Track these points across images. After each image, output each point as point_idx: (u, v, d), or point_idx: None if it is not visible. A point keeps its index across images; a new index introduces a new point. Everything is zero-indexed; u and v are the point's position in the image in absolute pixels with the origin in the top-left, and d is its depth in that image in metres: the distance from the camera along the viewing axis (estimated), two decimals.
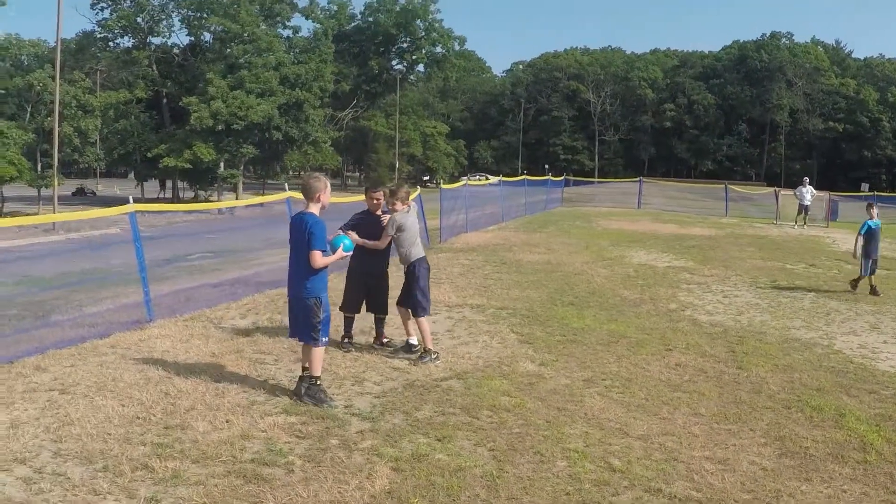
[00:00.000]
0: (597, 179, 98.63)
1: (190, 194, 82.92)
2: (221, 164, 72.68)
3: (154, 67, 76.02)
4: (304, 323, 8.63)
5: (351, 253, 9.17)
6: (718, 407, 9.28)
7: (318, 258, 8.41)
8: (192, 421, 7.82)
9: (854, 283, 19.07)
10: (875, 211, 19.76)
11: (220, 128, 68.03)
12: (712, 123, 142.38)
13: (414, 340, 10.94)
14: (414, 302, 10.72)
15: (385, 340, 11.37)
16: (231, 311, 13.61)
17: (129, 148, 72.17)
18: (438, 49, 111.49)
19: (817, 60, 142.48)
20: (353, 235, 10.38)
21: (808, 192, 40.64)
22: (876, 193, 57.02)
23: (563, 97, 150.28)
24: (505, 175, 59.01)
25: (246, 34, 72.56)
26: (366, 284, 11.26)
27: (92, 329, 12.02)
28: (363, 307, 11.37)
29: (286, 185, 21.09)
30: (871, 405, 9.62)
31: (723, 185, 54.84)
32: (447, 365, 10.41)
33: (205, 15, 74.94)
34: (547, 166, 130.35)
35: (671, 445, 7.92)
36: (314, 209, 8.62)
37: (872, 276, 18.94)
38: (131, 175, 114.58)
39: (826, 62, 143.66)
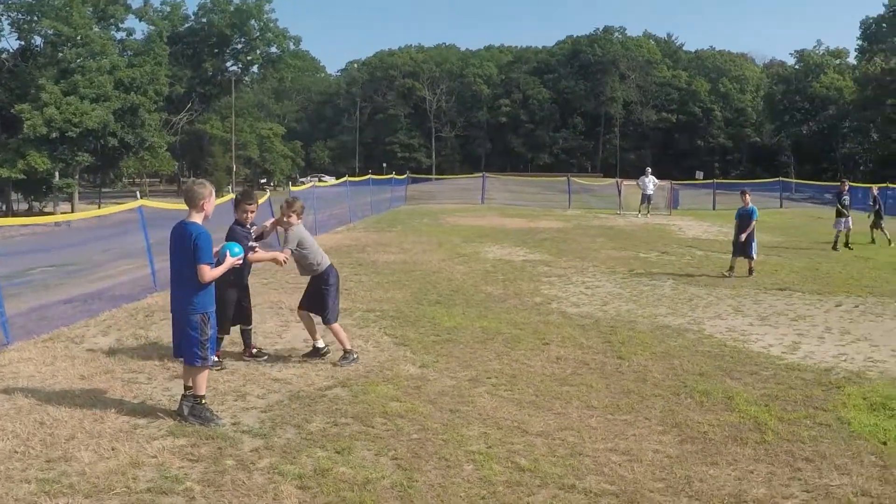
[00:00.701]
0: (435, 176, 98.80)
1: (24, 206, 79.69)
2: (56, 174, 70.00)
3: None
4: (188, 340, 7.95)
5: (240, 260, 8.55)
6: (609, 398, 9.22)
7: (207, 272, 7.82)
8: (75, 451, 7.22)
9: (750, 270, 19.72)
10: (749, 197, 20.60)
11: (54, 135, 65.40)
12: (548, 117, 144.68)
13: (321, 343, 10.67)
14: (328, 309, 10.45)
15: (254, 350, 10.80)
16: (91, 329, 12.80)
17: None
18: (273, 49, 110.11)
19: (650, 53, 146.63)
20: (260, 253, 10.09)
21: (651, 182, 41.50)
22: (716, 181, 58.82)
23: (399, 95, 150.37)
24: (341, 176, 58.62)
25: (79, 37, 70.03)
26: (234, 299, 10.55)
27: None
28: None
29: (138, 192, 20.26)
30: (755, 386, 9.78)
31: (564, 178, 55.68)
32: (327, 373, 9.99)
33: (35, 18, 71.97)
34: (385, 164, 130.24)
35: (572, 440, 7.79)
36: (197, 218, 7.97)
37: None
38: None
39: (658, 55, 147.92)
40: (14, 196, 78.00)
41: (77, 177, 74.60)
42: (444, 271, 19.43)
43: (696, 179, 79.41)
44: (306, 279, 10.80)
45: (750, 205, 20.32)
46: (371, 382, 9.50)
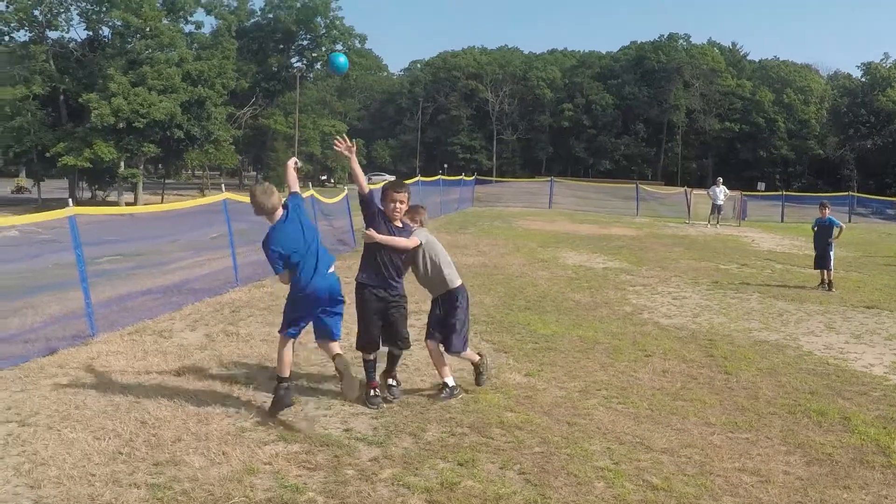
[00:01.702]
0: (500, 178, 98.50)
1: (87, 195, 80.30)
2: (122, 164, 70.53)
3: (51, 63, 73.16)
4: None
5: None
6: (725, 415, 8.93)
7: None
8: (184, 455, 7.01)
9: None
10: (828, 210, 20.50)
11: (121, 125, 65.95)
12: (610, 123, 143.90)
13: (452, 381, 9.05)
14: (455, 335, 9.03)
15: (392, 383, 9.16)
16: (177, 323, 12.70)
17: (26, 146, 69.42)
18: (339, 47, 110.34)
19: (714, 62, 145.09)
20: (373, 233, 8.53)
21: (721, 192, 41.05)
22: (784, 193, 58.02)
23: (462, 96, 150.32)
24: (400, 175, 58.59)
25: (148, 29, 70.61)
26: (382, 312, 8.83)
27: (31, 346, 10.89)
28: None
29: (223, 185, 20.24)
30: (868, 407, 9.43)
31: (629, 184, 55.31)
32: (434, 380, 9.65)
33: (104, 9, 72.57)
34: (446, 165, 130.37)
35: (698, 458, 7.53)
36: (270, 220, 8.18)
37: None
38: (22, 174, 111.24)
39: (722, 63, 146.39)
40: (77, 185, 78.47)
41: (141, 167, 75.03)
42: (527, 276, 19.23)
43: (759, 191, 78.54)
44: None
45: (828, 216, 20.20)
46: (480, 390, 9.26)
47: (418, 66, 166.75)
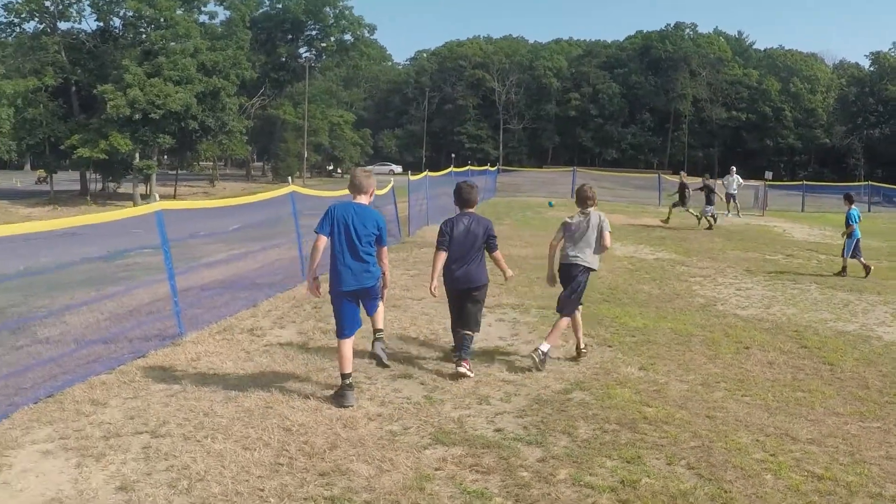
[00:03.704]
0: (520, 168, 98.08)
1: (98, 187, 79.94)
2: (137, 155, 70.35)
3: (63, 54, 72.91)
4: (376, 302, 8.78)
5: None
6: (848, 405, 9.07)
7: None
8: (346, 463, 6.84)
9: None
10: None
11: (136, 117, 65.79)
12: (617, 112, 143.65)
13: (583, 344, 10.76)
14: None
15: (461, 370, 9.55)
16: (261, 320, 12.53)
17: (39, 138, 69.18)
18: (347, 37, 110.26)
19: (720, 51, 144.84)
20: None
21: (735, 181, 41.06)
22: (805, 183, 58.01)
23: (468, 85, 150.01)
24: (407, 165, 58.46)
25: (162, 19, 70.45)
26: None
27: (121, 346, 10.58)
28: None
29: (290, 178, 20.19)
30: None
31: (647, 175, 55.38)
32: (555, 375, 9.78)
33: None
34: (453, 155, 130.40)
35: (844, 448, 7.64)
36: (366, 201, 8.69)
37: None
38: (27, 167, 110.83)
39: (729, 53, 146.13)
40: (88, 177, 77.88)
41: (156, 158, 74.89)
42: None
43: (767, 180, 78.58)
44: None
45: (851, 209, 21.15)
46: (606, 385, 9.32)
47: (424, 55, 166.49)
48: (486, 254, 9.86)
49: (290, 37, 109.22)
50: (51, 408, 8.01)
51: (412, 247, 22.55)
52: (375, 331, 8.81)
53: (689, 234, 29.08)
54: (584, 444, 7.44)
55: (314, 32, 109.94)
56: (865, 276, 19.86)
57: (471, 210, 9.93)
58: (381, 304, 8.79)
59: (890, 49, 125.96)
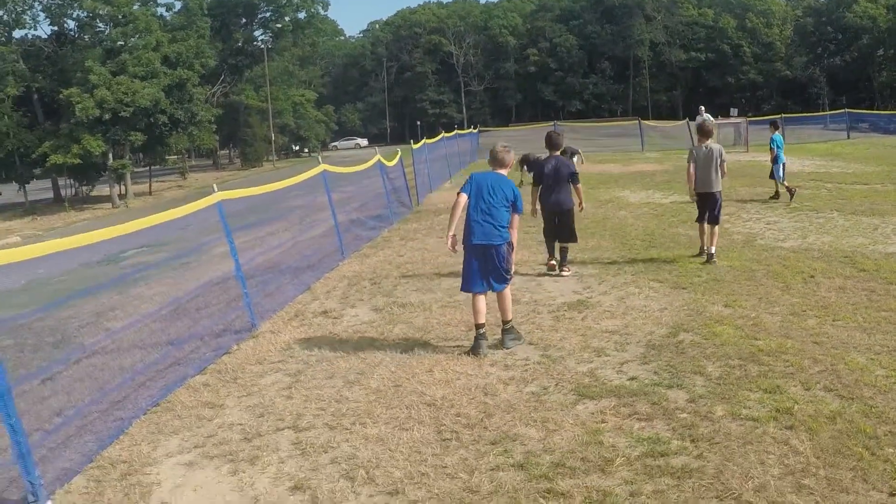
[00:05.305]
0: (502, 128, 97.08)
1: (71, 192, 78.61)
2: (110, 155, 69.44)
3: (21, 62, 71.71)
4: (499, 269, 9.17)
5: None
6: None
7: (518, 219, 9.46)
8: (511, 429, 6.90)
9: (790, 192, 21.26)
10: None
11: (106, 117, 64.97)
12: (576, 64, 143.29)
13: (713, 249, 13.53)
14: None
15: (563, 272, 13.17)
16: (326, 302, 12.48)
17: (9, 149, 68.08)
18: (302, 15, 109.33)
19: None
20: None
21: (708, 120, 41.37)
22: (783, 116, 58.44)
23: (425, 52, 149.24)
24: (373, 138, 58.17)
25: (121, 16, 69.47)
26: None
27: (196, 346, 10.48)
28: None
29: (319, 157, 20.25)
30: None
31: (635, 122, 55.71)
32: (648, 318, 10.13)
33: (70, 1, 71.18)
34: (419, 122, 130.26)
35: None
36: (505, 173, 9.55)
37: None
38: None
39: None
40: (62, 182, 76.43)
41: (128, 157, 74.00)
42: (611, 218, 19.51)
43: (732, 117, 79.03)
44: None
45: (774, 134, 22.34)
46: (706, 325, 9.58)
47: (377, 26, 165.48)
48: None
49: (244, 20, 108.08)
50: (164, 417, 7.87)
51: (429, 214, 22.71)
52: (503, 321, 9.44)
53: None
54: (720, 382, 7.68)
55: (268, 14, 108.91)
56: (773, 197, 21.54)
57: (557, 153, 13.27)
58: (506, 292, 9.37)
59: None
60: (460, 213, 9.23)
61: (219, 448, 7.01)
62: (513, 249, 9.34)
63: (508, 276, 9.30)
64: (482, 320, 9.13)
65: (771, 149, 21.92)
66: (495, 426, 7.00)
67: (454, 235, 9.35)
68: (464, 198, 9.23)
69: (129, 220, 8.66)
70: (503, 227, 9.13)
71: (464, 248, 9.30)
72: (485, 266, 9.15)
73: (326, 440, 6.99)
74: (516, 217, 9.31)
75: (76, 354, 10.94)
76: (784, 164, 21.99)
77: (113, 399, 8.51)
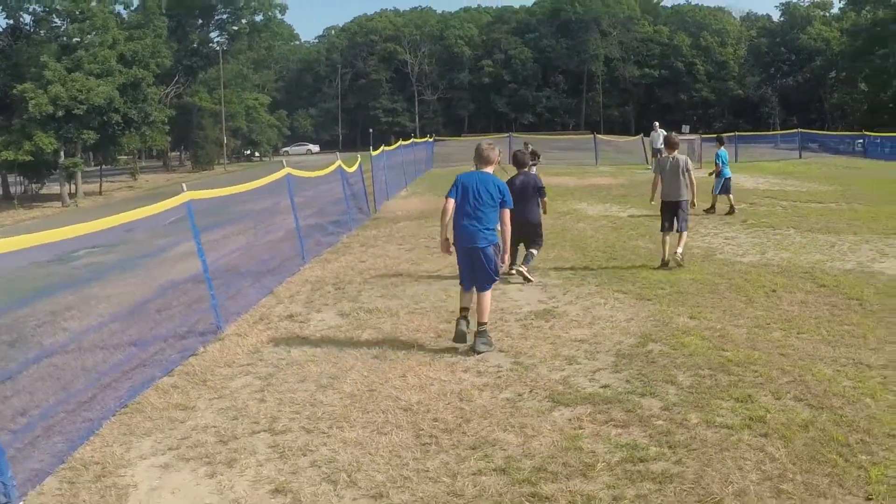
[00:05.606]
0: (457, 138, 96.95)
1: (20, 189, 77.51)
2: (62, 153, 68.57)
3: None
4: (486, 270, 9.41)
5: None
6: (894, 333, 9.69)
7: (508, 215, 9.52)
8: (489, 434, 6.93)
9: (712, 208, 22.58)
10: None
11: (60, 114, 64.15)
12: (530, 77, 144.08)
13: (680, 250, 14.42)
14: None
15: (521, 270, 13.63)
16: (291, 306, 12.38)
17: None
18: (259, 18, 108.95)
19: (630, 10, 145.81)
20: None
21: (661, 137, 41.75)
22: (737, 133, 59.18)
23: (380, 59, 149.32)
24: (325, 144, 57.92)
25: (78, 12, 68.69)
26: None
27: (159, 348, 10.23)
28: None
29: (283, 160, 20.14)
30: None
31: (589, 136, 56.15)
32: (615, 328, 10.23)
33: None
34: (371, 130, 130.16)
35: None
36: (491, 170, 9.79)
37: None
38: None
39: (638, 11, 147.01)
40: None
41: (80, 155, 73.12)
42: (570, 230, 19.67)
43: (684, 133, 79.87)
44: None
45: (720, 150, 23.83)
46: (673, 335, 9.70)
47: (333, 32, 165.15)
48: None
49: (200, 21, 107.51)
50: (135, 419, 7.74)
51: (387, 222, 22.72)
52: (479, 322, 9.50)
53: (646, 190, 29.55)
54: (692, 391, 7.80)
55: (225, 16, 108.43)
56: (729, 213, 22.17)
57: (524, 170, 14.06)
58: (488, 293, 9.60)
59: None
60: (450, 217, 9.45)
61: (194, 450, 6.94)
62: (501, 250, 9.55)
63: (496, 278, 9.61)
64: (467, 305, 9.57)
65: (716, 164, 22.89)
66: (473, 431, 7.02)
67: (447, 239, 9.65)
68: (451, 203, 9.46)
69: (80, 220, 8.45)
70: (489, 229, 9.36)
71: (455, 248, 9.63)
72: (471, 268, 9.47)
73: (304, 443, 6.94)
74: (506, 212, 9.45)
75: (35, 353, 10.71)
76: (729, 179, 22.78)
77: (80, 400, 8.36)
